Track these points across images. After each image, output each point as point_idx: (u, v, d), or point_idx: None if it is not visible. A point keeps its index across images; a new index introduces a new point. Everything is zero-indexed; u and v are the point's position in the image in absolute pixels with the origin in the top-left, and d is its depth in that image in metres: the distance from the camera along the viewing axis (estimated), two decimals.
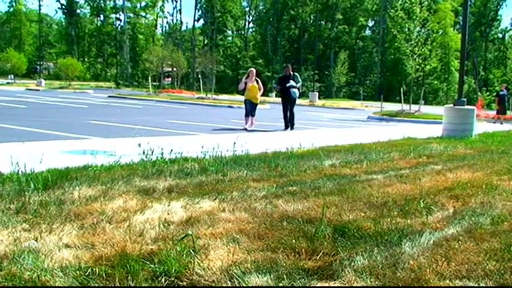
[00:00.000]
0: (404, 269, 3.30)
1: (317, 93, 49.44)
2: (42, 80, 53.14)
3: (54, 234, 3.66)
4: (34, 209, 4.22)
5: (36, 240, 3.50)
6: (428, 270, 3.29)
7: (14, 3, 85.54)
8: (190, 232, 3.63)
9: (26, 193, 4.66)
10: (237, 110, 28.30)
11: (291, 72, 17.04)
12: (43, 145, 8.81)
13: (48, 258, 3.19)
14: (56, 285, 2.88)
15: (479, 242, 3.91)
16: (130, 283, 2.94)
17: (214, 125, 17.23)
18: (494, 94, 30.39)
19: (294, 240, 3.68)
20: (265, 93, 17.12)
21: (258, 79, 17.09)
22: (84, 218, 4.06)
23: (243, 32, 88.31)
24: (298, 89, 16.92)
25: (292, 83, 16.50)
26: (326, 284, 3.07)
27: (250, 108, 16.59)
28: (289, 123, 16.58)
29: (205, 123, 17.56)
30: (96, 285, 2.92)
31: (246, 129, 15.71)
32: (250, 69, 17.89)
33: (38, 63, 73.07)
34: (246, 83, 16.75)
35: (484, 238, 4.01)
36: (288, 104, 16.67)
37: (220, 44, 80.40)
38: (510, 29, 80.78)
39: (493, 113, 32.59)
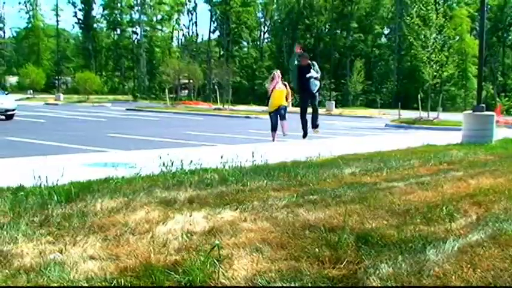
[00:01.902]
0: (430, 276, 3.27)
1: (334, 102, 49.29)
2: (61, 95, 53.68)
3: (78, 246, 3.69)
4: (57, 222, 4.26)
5: (60, 253, 3.53)
6: (454, 277, 3.26)
7: (32, 19, 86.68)
8: (217, 242, 3.63)
9: (49, 206, 4.69)
10: (254, 121, 28.37)
11: (309, 62, 14.13)
12: (64, 158, 8.88)
13: (73, 270, 3.21)
14: None
15: (505, 248, 3.87)
16: None
17: (232, 135, 17.26)
18: None
19: (317, 249, 3.67)
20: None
21: (286, 83, 14.76)
22: (107, 230, 4.08)
23: (258, 43, 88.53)
24: (320, 80, 14.22)
25: (312, 73, 13.75)
26: None
27: (276, 123, 14.20)
28: (312, 123, 14.04)
29: (223, 134, 17.61)
30: None
31: (273, 139, 14.15)
32: (274, 71, 15.27)
33: (56, 77, 73.70)
34: (274, 86, 14.29)
35: (509, 244, 3.97)
36: (308, 99, 13.98)
37: (236, 55, 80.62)
38: None
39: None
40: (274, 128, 14.24)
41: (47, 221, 4.29)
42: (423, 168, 8.16)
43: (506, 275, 3.33)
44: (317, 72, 14.09)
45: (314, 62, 14.32)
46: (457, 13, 67.25)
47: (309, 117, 14.09)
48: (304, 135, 14.16)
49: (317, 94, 14.20)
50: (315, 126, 14.14)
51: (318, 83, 14.05)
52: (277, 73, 14.74)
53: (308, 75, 13.67)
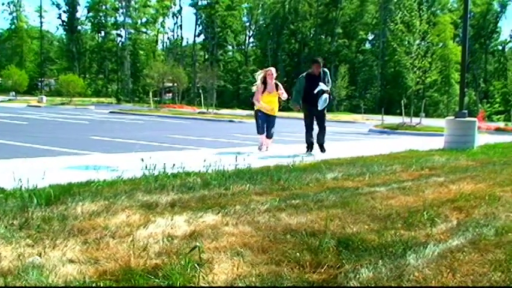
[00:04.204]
0: (410, 280, 3.28)
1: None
2: (44, 97, 53.22)
3: (57, 249, 3.65)
4: (37, 225, 4.21)
5: (40, 256, 3.49)
6: (433, 281, 3.28)
7: (15, 21, 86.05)
8: (198, 244, 3.62)
9: (29, 209, 4.65)
10: (238, 125, 28.35)
11: (321, 71, 11.70)
12: (45, 161, 8.81)
13: (52, 274, 3.18)
14: None
15: (484, 253, 3.90)
16: None
17: (215, 139, 17.23)
18: None
19: (298, 253, 3.67)
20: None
21: (279, 83, 12.26)
22: (87, 233, 4.05)
23: (243, 47, 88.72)
24: (330, 94, 11.55)
25: (322, 86, 11.33)
26: None
27: (263, 123, 11.99)
28: (318, 143, 11.84)
29: (206, 138, 17.57)
30: None
31: (259, 149, 12.06)
32: (268, 69, 12.36)
33: (39, 79, 73.11)
34: (264, 88, 11.96)
35: (489, 249, 4.00)
36: (315, 116, 11.77)
37: (220, 58, 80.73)
38: (510, 41, 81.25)
39: (494, 124, 32.70)
40: (261, 130, 12.12)
41: (26, 223, 4.25)
42: (405, 173, 8.21)
43: (485, 279, 3.36)
44: (328, 82, 11.70)
45: (326, 70, 11.93)
46: (441, 20, 67.88)
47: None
48: (309, 148, 11.92)
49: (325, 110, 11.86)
50: (322, 146, 11.89)
51: (327, 99, 11.50)
52: (271, 72, 12.10)
53: (317, 89, 11.33)
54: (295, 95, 11.81)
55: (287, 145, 14.53)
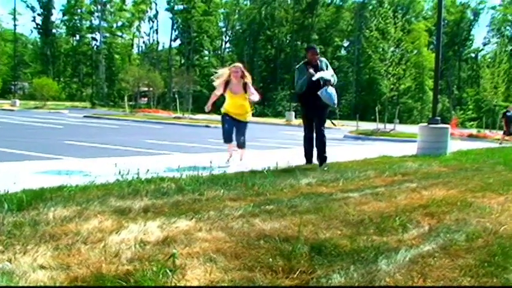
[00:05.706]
0: (381, 286, 3.31)
1: (293, 113, 49.50)
2: (17, 100, 52.52)
3: (28, 255, 3.61)
4: (8, 230, 4.16)
5: (10, 262, 3.45)
6: (404, 287, 3.31)
7: None
8: (175, 251, 3.61)
9: (0, 214, 4.59)
10: (213, 130, 28.26)
11: (319, 57, 9.72)
12: (17, 166, 8.70)
13: (22, 280, 3.15)
14: None
15: (455, 258, 3.95)
16: None
17: (191, 144, 17.17)
18: (501, 115, 29.11)
19: (271, 259, 3.68)
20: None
21: (248, 82, 10.01)
22: (59, 239, 4.01)
23: (219, 52, 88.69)
24: (332, 84, 9.44)
25: (322, 73, 9.36)
26: None
27: (230, 129, 9.99)
28: (317, 154, 9.90)
29: (182, 143, 17.50)
30: None
31: (228, 160, 10.12)
32: (234, 65, 10.34)
33: (13, 83, 72.18)
34: (225, 85, 9.93)
35: (459, 254, 4.05)
36: (316, 115, 9.77)
37: (196, 63, 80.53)
38: (482, 49, 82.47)
39: (467, 131, 33.14)
40: (228, 138, 10.12)
41: None
42: (378, 179, 8.26)
43: (455, 284, 3.40)
44: (330, 73, 9.59)
45: (324, 60, 9.92)
46: (415, 27, 68.73)
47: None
48: (308, 161, 10.12)
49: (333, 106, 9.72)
50: (322, 159, 9.87)
51: (333, 92, 9.39)
52: (237, 69, 10.02)
53: (316, 77, 9.30)
54: (300, 84, 9.59)
55: (268, 151, 14.54)
